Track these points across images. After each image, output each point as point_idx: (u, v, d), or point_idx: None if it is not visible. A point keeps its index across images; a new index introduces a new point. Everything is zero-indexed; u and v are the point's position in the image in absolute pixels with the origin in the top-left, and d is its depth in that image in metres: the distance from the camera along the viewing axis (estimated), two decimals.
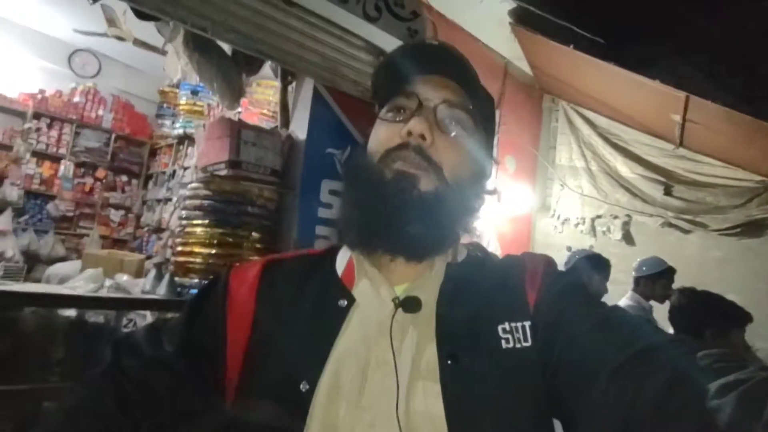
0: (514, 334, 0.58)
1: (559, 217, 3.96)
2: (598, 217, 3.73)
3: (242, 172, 2.36)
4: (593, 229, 3.75)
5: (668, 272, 2.71)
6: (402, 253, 0.63)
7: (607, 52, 2.93)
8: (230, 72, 2.43)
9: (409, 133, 0.61)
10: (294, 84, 2.67)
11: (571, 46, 2.96)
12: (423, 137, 0.61)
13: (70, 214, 5.09)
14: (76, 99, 5.09)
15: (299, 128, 2.54)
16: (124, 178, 5.53)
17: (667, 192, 3.40)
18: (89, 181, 5.26)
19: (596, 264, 2.61)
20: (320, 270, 0.68)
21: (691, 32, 2.87)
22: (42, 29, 4.70)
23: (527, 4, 3.06)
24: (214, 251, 2.31)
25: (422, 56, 0.67)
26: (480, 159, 0.68)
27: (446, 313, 0.60)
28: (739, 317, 1.91)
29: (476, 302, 0.61)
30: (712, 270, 3.14)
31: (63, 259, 4.20)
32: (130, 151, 5.54)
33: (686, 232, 3.33)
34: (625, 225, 3.60)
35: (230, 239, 2.33)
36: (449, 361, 0.56)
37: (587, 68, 3.21)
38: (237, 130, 2.37)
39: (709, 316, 1.90)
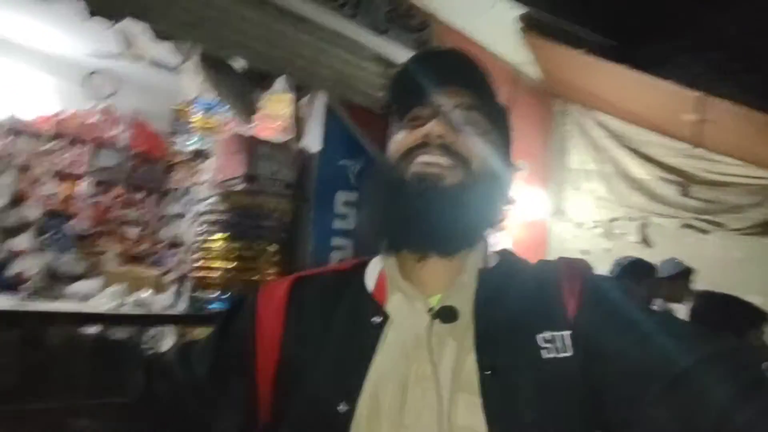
0: (555, 344, 0.56)
1: (574, 222, 3.92)
2: (614, 219, 3.68)
3: (258, 186, 2.39)
4: (610, 232, 3.70)
5: (687, 273, 2.67)
6: (431, 249, 0.60)
7: (619, 54, 2.91)
8: (244, 88, 2.47)
9: (427, 136, 0.61)
10: (306, 97, 2.70)
11: (583, 50, 2.95)
12: (441, 137, 0.61)
13: (90, 232, 5.19)
14: (93, 119, 5.21)
15: (312, 141, 2.56)
16: (141, 195, 5.62)
17: (684, 192, 3.33)
18: (107, 199, 5.36)
19: (640, 270, 2.54)
20: (350, 286, 0.66)
21: (704, 30, 2.84)
22: (59, 52, 4.82)
23: (537, 9, 3.05)
24: (231, 265, 2.33)
25: (436, 67, 0.66)
26: (502, 157, 0.67)
27: (484, 322, 0.58)
28: (757, 318, 1.89)
29: (514, 310, 0.59)
30: (733, 271, 3.07)
31: (83, 277, 4.27)
32: (146, 169, 5.63)
33: (705, 232, 3.26)
34: (643, 227, 3.54)
35: (247, 253, 2.35)
36: (488, 373, 0.54)
37: (598, 71, 3.19)
38: (252, 145, 2.40)
39: (727, 318, 1.87)
